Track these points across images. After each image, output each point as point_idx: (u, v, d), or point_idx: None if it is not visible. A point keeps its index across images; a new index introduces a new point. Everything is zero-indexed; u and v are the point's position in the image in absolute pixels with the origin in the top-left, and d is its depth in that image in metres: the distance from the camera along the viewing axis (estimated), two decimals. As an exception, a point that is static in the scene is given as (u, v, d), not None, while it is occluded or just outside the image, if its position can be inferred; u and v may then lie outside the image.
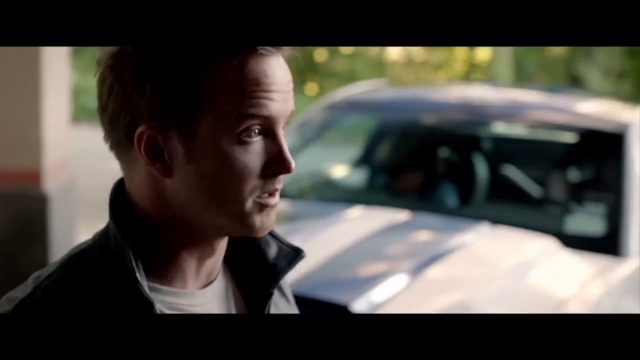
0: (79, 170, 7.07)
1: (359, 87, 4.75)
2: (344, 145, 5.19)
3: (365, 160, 4.63)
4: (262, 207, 1.16)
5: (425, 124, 4.48)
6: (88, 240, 1.20)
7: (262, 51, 1.14)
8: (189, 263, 1.20)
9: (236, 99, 1.13)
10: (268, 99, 1.14)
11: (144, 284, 1.13)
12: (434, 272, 3.16)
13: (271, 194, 1.17)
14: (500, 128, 4.60)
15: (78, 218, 5.53)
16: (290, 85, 1.18)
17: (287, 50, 1.17)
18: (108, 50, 1.16)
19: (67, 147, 5.15)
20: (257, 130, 1.15)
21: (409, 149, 4.47)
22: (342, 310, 2.77)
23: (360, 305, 2.81)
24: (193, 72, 1.13)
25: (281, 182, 1.18)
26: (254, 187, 1.15)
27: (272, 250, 1.27)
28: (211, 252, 1.21)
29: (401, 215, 3.65)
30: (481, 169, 4.25)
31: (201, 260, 1.20)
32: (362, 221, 3.57)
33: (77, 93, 12.14)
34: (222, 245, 1.22)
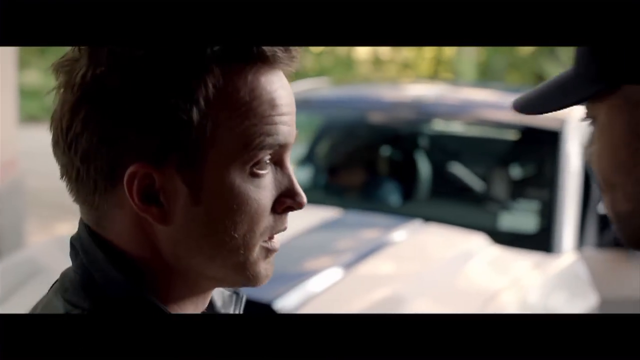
0: (36, 169, 7.05)
1: (302, 85, 4.75)
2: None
3: (309, 158, 4.64)
4: (268, 252, 1.01)
5: (369, 122, 4.51)
6: (65, 311, 0.99)
7: (278, 65, 0.98)
8: None
9: (251, 126, 0.96)
10: (283, 124, 0.98)
11: None
12: (365, 268, 3.17)
13: (270, 237, 1.01)
14: (444, 126, 4.63)
15: (29, 218, 5.51)
16: (294, 106, 1.01)
17: (296, 63, 1.00)
18: (79, 72, 0.96)
19: (16, 146, 5.14)
20: (267, 161, 0.98)
21: (352, 147, 4.48)
22: (266, 309, 2.78)
23: (285, 303, 2.81)
24: (198, 93, 0.94)
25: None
26: (265, 228, 0.99)
27: (218, 298, 1.11)
28: (202, 306, 1.05)
29: (333, 213, 3.67)
30: (424, 166, 4.28)
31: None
32: (293, 219, 3.58)
33: (39, 93, 12.10)
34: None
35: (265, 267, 1.02)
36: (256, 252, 1.00)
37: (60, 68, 0.98)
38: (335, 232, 3.55)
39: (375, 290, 3.06)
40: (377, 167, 4.31)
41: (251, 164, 0.97)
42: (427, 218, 3.69)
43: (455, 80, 11.67)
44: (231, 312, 1.11)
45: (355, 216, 3.74)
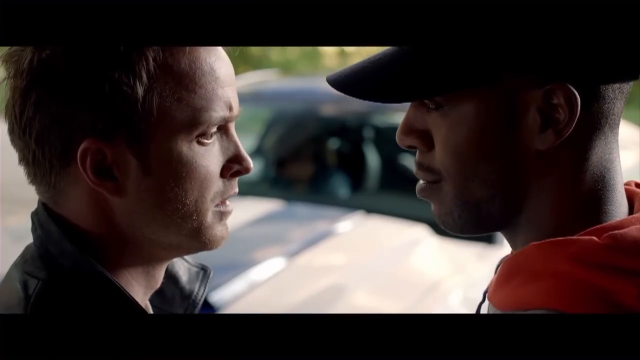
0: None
1: (251, 78, 4.75)
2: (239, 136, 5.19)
3: (257, 151, 4.64)
4: (221, 215, 1.06)
5: (317, 114, 4.51)
6: (22, 284, 1.02)
7: None
8: (137, 294, 1.07)
9: (197, 99, 1.00)
10: (226, 97, 1.03)
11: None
12: (307, 258, 3.20)
13: (222, 202, 1.06)
14: (393, 118, 4.64)
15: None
16: (234, 77, 1.07)
17: None
18: (25, 56, 0.99)
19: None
20: (213, 130, 1.03)
21: (300, 140, 4.49)
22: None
23: (221, 295, 2.82)
24: (139, 66, 0.98)
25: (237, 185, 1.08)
26: (215, 193, 1.04)
27: (184, 273, 1.17)
28: (158, 278, 1.10)
29: (277, 205, 3.68)
30: (373, 158, 4.29)
31: (147, 291, 1.09)
32: (238, 211, 3.59)
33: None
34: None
35: (220, 229, 1.06)
36: (209, 216, 1.04)
37: (8, 59, 1.01)
38: (278, 224, 3.57)
39: (317, 280, 3.08)
40: (326, 160, 4.33)
41: (197, 133, 1.01)
42: (374, 210, 3.71)
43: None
44: (196, 288, 1.16)
45: (299, 208, 3.76)
